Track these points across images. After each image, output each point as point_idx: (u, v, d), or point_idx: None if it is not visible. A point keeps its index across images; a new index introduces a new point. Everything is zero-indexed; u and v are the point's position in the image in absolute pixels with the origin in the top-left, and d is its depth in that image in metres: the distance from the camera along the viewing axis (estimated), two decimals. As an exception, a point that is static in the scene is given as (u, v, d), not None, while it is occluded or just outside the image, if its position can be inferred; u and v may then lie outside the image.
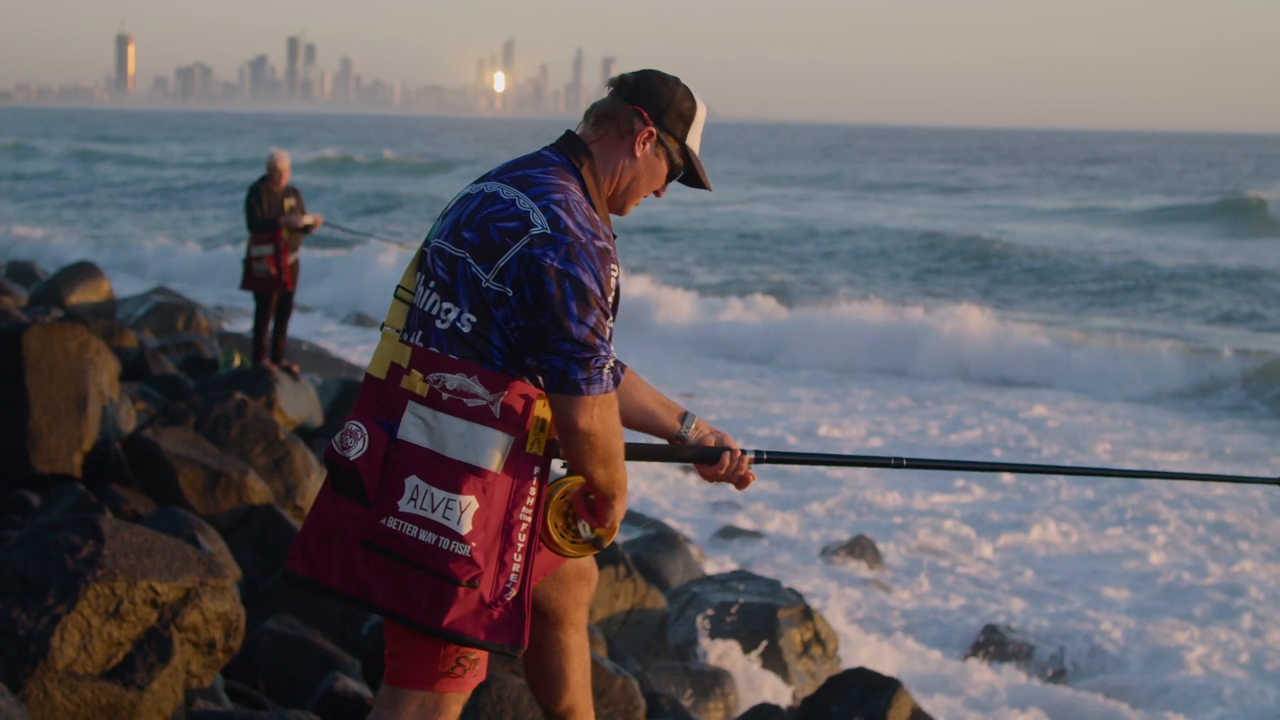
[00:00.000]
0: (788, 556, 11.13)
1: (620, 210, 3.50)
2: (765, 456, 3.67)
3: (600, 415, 3.24)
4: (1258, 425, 18.13)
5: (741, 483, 3.61)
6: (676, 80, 3.47)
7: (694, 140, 3.48)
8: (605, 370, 3.23)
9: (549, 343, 3.20)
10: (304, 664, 6.07)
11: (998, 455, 15.44)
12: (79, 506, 7.02)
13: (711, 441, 3.63)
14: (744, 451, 3.61)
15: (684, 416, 3.66)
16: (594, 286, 3.20)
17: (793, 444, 15.23)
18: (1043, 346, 22.33)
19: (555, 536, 3.42)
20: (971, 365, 21.63)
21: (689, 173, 3.51)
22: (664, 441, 3.67)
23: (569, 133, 3.48)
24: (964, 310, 24.00)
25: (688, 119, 3.45)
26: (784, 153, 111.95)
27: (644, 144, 3.43)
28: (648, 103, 3.42)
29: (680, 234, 41.14)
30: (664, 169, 3.48)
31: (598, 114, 3.44)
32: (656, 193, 3.52)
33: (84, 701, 4.70)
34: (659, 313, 25.23)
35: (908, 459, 3.79)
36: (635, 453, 3.51)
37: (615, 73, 3.64)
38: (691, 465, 3.71)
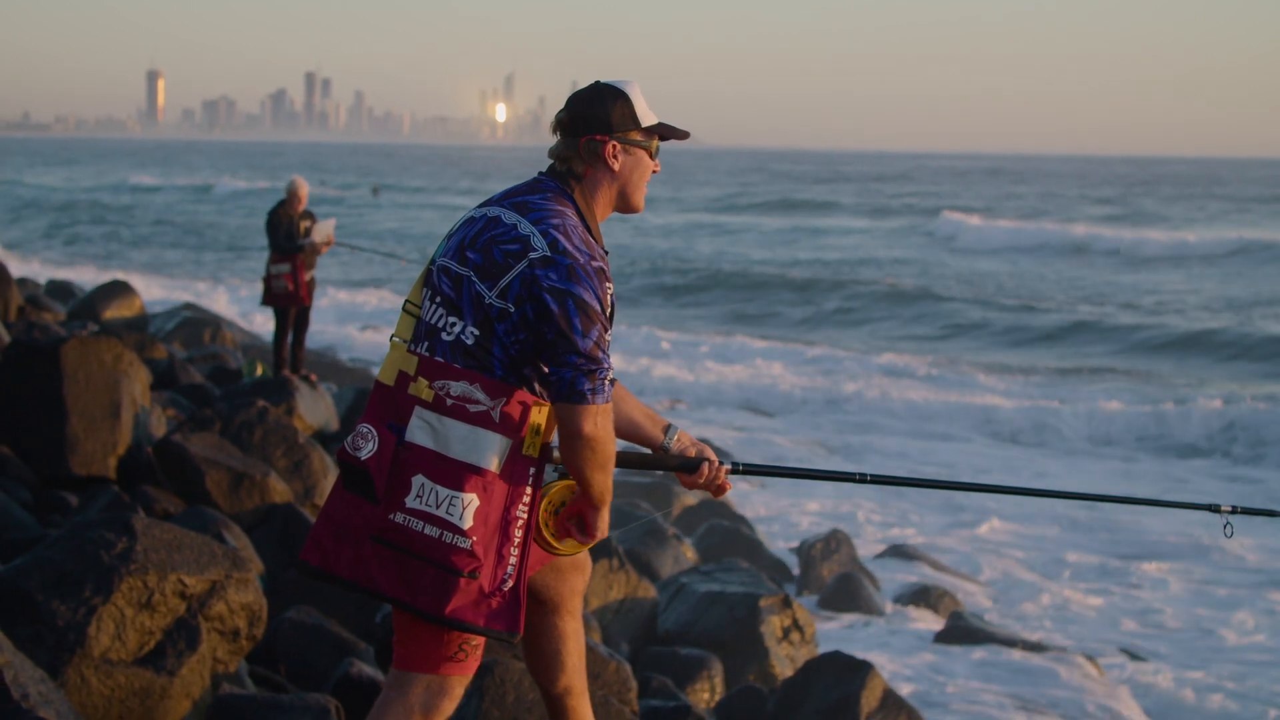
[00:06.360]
0: (769, 549, 11.13)
1: (635, 209, 3.48)
2: (741, 468, 3.67)
3: (601, 423, 3.25)
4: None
5: (719, 491, 3.60)
6: (597, 89, 3.43)
7: (647, 116, 3.44)
8: (607, 381, 3.25)
9: (557, 356, 3.21)
10: (322, 650, 6.06)
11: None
12: (114, 506, 7.01)
13: (692, 452, 3.61)
14: (721, 462, 3.61)
15: (667, 428, 3.65)
16: (594, 303, 3.22)
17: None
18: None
19: (547, 535, 3.42)
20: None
21: (664, 137, 3.49)
22: (648, 451, 3.67)
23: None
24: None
25: (630, 110, 3.41)
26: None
27: (614, 157, 3.41)
28: (593, 126, 3.39)
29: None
30: (644, 156, 3.45)
31: (559, 158, 3.42)
32: (654, 170, 3.49)
33: (118, 686, 4.69)
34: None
35: (870, 474, 3.78)
36: (622, 460, 3.51)
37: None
38: (673, 474, 3.71)
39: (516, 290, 3.24)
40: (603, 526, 3.41)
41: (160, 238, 49.05)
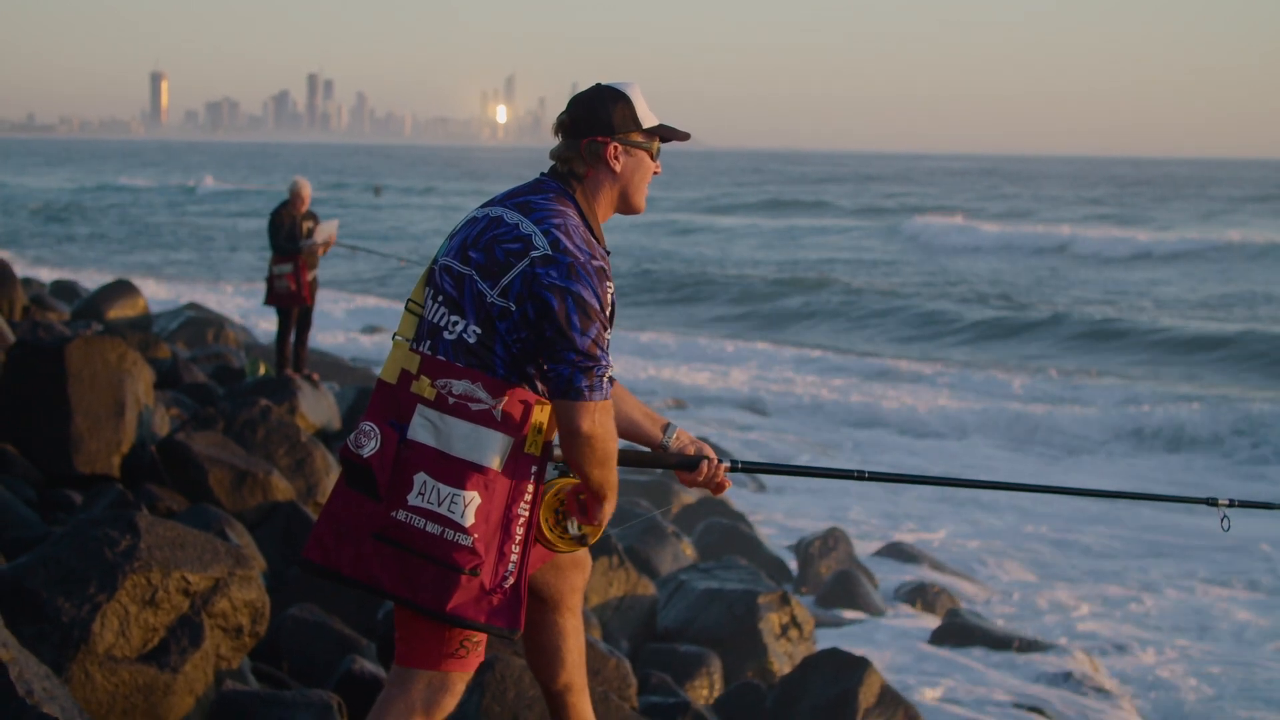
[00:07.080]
0: (767, 547, 11.14)
1: (636, 209, 3.49)
2: (740, 465, 3.68)
3: (600, 420, 3.26)
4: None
5: (718, 489, 3.61)
6: (598, 90, 3.43)
7: (648, 117, 3.45)
8: (605, 379, 3.26)
9: (555, 353, 3.22)
10: (324, 647, 6.08)
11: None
12: (117, 504, 7.02)
13: (691, 451, 3.62)
14: (720, 460, 3.62)
15: (666, 427, 3.66)
16: (593, 301, 3.23)
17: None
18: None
19: (546, 532, 3.44)
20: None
21: (665, 138, 3.50)
22: (647, 449, 3.68)
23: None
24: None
25: (631, 111, 3.41)
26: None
27: (616, 158, 3.42)
28: (595, 128, 3.39)
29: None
30: (645, 158, 3.46)
31: (561, 159, 3.43)
32: (655, 172, 3.50)
33: (122, 682, 4.71)
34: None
35: (869, 472, 3.78)
36: (621, 459, 3.52)
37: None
38: (673, 471, 3.72)
39: (518, 289, 3.25)
40: (606, 514, 3.42)
41: (152, 238, 49.18)
